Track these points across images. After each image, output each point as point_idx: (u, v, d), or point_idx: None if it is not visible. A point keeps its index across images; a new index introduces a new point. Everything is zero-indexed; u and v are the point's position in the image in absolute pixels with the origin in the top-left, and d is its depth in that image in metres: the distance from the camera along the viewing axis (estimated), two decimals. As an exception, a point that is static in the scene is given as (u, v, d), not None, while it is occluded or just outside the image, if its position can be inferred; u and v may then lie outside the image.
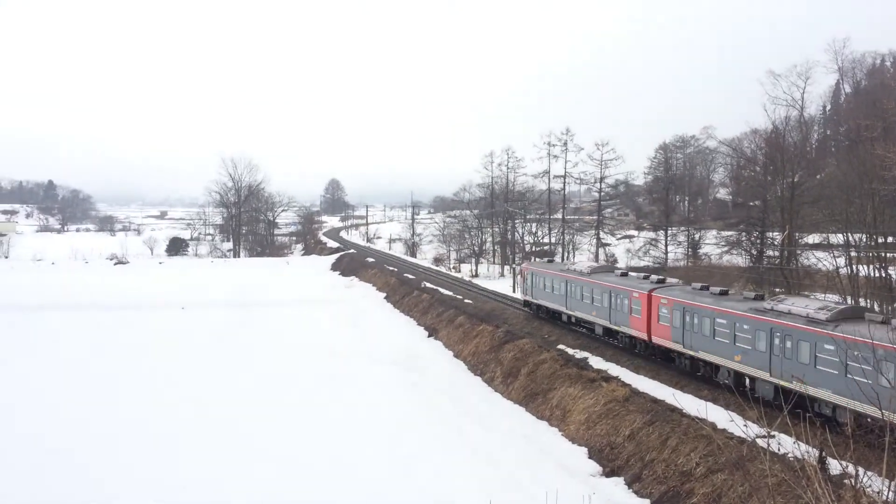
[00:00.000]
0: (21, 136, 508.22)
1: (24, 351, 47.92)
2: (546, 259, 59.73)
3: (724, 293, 31.18)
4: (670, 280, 37.19)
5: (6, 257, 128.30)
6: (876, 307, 42.67)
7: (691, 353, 30.57)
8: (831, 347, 22.63)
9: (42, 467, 25.63)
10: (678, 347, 31.55)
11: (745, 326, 27.01)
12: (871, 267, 45.18)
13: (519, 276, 57.18)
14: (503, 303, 54.90)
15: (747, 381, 27.08)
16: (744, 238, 79.10)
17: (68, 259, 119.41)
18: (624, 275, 39.97)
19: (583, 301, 40.15)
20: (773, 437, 20.52)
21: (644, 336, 34.26)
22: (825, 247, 53.32)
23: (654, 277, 37.29)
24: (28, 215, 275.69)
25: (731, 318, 28.01)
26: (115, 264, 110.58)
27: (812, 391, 22.10)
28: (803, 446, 18.08)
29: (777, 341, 25.26)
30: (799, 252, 53.23)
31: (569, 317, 42.91)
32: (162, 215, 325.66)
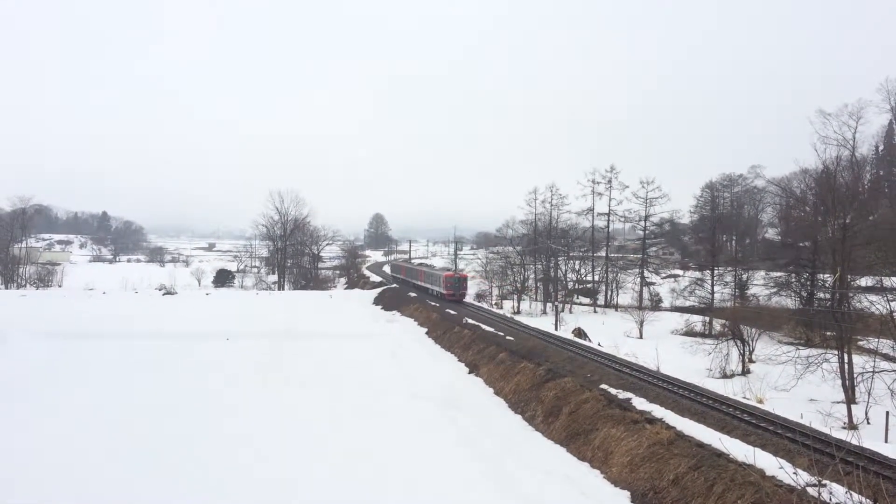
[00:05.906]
0: (77, 169, 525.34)
1: (72, 377, 48.95)
2: (407, 259, 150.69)
3: (422, 264, 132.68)
4: (433, 264, 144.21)
5: (59, 286, 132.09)
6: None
7: (420, 284, 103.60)
8: (429, 273, 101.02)
9: None
10: (419, 284, 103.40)
11: (423, 273, 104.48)
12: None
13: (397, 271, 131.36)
14: (545, 340, 54.46)
15: (430, 290, 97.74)
16: (793, 279, 77.30)
17: (119, 289, 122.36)
18: (420, 264, 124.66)
19: (415, 277, 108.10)
20: (825, 485, 19.85)
21: (421, 284, 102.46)
22: (878, 290, 51.86)
23: (426, 264, 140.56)
24: (82, 245, 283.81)
25: (422, 271, 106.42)
26: (164, 294, 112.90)
27: (428, 287, 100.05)
28: (856, 496, 17.54)
29: (425, 277, 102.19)
30: (851, 295, 51.78)
31: (405, 281, 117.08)
32: (210, 247, 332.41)
